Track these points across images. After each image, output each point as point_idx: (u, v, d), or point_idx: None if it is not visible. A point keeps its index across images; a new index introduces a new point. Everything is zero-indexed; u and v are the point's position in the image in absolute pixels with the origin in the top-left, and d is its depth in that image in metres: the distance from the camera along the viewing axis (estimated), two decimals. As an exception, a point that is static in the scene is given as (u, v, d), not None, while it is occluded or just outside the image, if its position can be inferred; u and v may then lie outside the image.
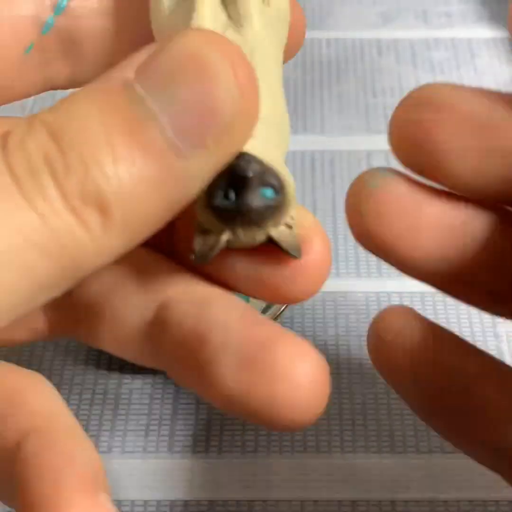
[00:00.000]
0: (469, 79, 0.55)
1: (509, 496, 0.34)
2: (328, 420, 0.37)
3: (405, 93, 0.50)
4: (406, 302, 0.41)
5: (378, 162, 0.49)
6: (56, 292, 0.17)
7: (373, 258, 0.24)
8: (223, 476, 0.35)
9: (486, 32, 0.59)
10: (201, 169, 0.17)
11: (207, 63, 0.17)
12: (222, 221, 0.19)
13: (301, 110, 0.53)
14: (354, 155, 0.50)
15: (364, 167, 0.49)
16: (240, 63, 0.17)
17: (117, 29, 0.23)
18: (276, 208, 0.19)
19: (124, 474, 0.36)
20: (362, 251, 0.26)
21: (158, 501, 0.35)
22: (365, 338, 0.24)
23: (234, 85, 0.17)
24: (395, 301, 0.42)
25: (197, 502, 0.35)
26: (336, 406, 0.37)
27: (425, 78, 0.55)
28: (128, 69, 0.17)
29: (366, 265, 0.43)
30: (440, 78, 0.55)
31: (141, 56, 0.18)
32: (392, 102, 0.53)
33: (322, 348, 0.39)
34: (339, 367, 0.39)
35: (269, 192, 0.18)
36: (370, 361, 0.39)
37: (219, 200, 0.18)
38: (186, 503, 0.35)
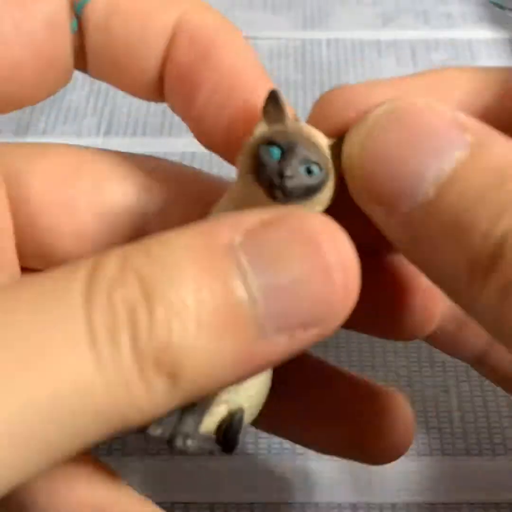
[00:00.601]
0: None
1: (509, 498, 0.34)
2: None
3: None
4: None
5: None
6: (88, 444, 0.16)
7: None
8: (223, 479, 0.35)
9: (486, 33, 0.59)
10: (280, 352, 0.17)
11: (321, 256, 0.17)
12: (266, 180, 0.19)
13: (301, 111, 0.53)
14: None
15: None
16: (351, 268, 0.17)
17: None
18: (318, 185, 0.19)
19: (124, 476, 0.36)
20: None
21: (159, 503, 0.35)
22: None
23: (342, 287, 0.17)
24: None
25: (198, 505, 0.35)
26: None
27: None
28: (235, 229, 0.17)
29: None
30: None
31: (251, 218, 0.17)
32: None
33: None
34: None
35: (313, 168, 0.19)
36: (373, 361, 0.39)
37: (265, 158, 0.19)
38: (186, 506, 0.35)
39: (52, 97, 0.25)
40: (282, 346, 0.17)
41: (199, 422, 0.20)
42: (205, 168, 0.50)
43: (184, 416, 0.19)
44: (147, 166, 0.25)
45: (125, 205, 0.24)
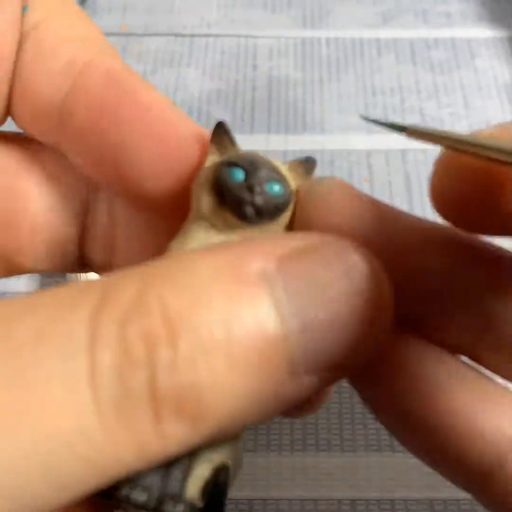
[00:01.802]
0: (469, 79, 0.55)
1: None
2: (327, 419, 0.37)
3: (404, 92, 0.50)
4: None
5: (378, 161, 0.49)
6: (80, 496, 0.14)
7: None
8: (223, 475, 0.35)
9: (486, 32, 0.59)
10: (307, 391, 0.15)
11: (367, 294, 0.15)
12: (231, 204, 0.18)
13: (300, 109, 0.53)
14: (354, 154, 0.50)
15: (363, 166, 0.49)
16: (390, 308, 0.16)
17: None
18: (285, 202, 0.18)
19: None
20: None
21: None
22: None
23: (382, 330, 0.15)
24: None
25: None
26: (336, 404, 0.37)
27: (425, 77, 0.55)
28: (267, 256, 0.15)
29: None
30: (439, 78, 0.55)
31: (282, 245, 0.15)
32: (392, 101, 0.53)
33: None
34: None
35: (277, 187, 0.18)
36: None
37: (228, 180, 0.18)
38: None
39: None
40: (311, 385, 0.15)
41: (184, 483, 0.17)
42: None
43: (169, 474, 0.17)
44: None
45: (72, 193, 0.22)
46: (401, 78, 0.55)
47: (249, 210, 0.18)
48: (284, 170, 0.19)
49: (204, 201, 0.18)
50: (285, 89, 0.55)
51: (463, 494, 0.34)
